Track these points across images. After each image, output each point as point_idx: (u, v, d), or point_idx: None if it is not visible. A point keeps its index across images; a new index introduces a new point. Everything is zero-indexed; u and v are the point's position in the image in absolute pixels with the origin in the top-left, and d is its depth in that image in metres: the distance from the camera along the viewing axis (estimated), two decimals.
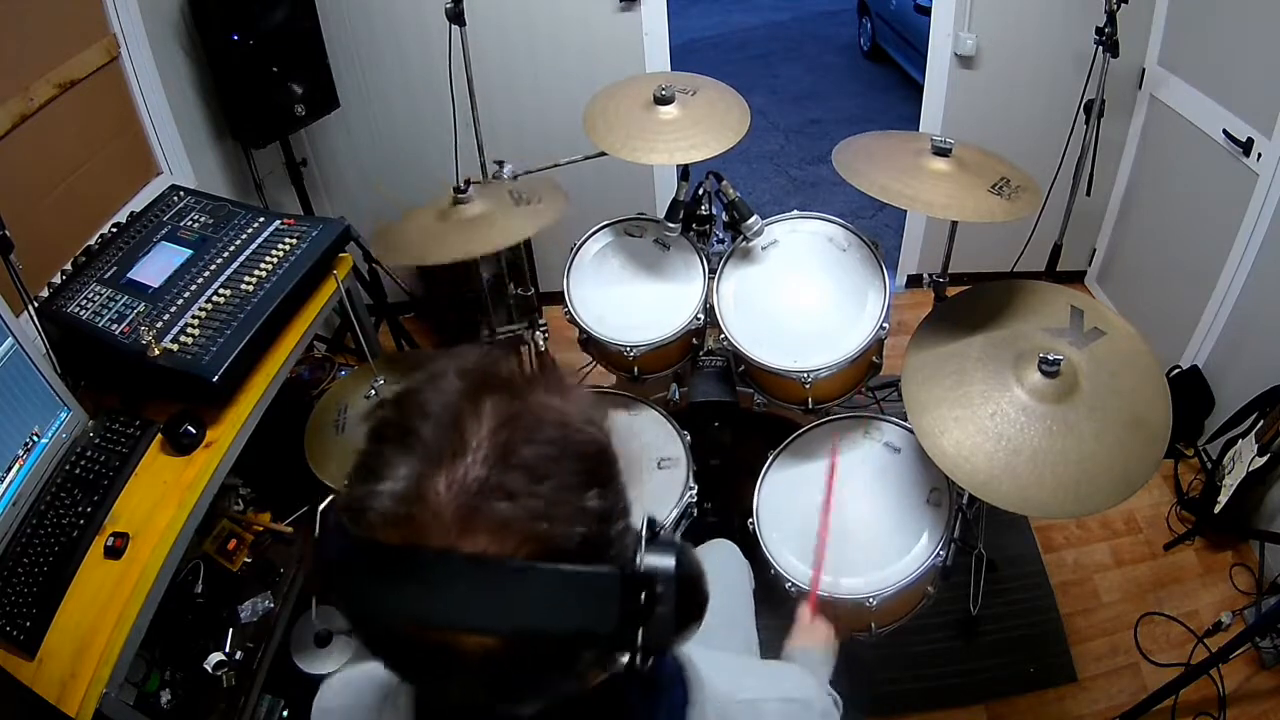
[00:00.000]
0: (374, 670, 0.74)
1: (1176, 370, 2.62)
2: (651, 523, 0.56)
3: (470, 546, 0.47)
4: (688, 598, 0.54)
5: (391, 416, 0.52)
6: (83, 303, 1.64)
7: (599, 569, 0.50)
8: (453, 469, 0.48)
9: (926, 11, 3.00)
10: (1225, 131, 2.36)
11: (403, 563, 0.47)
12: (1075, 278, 3.24)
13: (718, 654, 0.73)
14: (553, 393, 0.54)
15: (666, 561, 0.52)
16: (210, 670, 1.73)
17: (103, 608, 1.32)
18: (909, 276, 3.36)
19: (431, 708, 0.65)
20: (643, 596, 0.51)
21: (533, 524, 0.48)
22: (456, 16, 2.30)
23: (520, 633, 0.48)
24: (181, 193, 1.94)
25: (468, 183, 1.93)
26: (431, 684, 0.53)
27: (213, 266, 1.74)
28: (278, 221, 1.87)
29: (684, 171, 2.05)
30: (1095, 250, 3.19)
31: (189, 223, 1.85)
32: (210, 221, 1.85)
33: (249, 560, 1.94)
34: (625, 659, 0.52)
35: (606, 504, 0.52)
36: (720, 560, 1.53)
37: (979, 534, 2.18)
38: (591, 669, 0.54)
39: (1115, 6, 2.25)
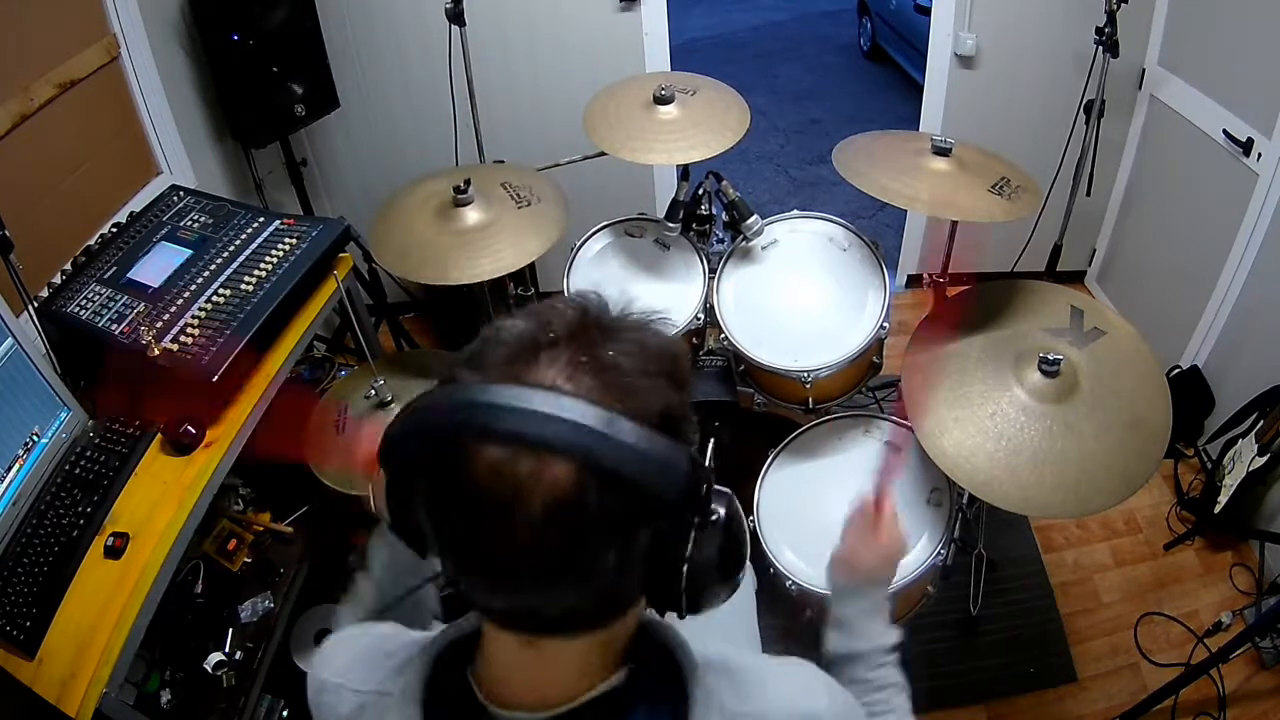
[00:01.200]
0: (384, 644, 0.74)
1: (1176, 370, 2.62)
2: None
3: (574, 387, 0.53)
4: (731, 544, 0.59)
5: (519, 312, 0.60)
6: (83, 303, 1.65)
7: (674, 441, 0.54)
8: (569, 343, 0.56)
9: (926, 11, 3.00)
10: (1225, 131, 2.36)
11: (510, 390, 0.53)
12: (1075, 278, 3.24)
13: (725, 650, 0.72)
14: (651, 327, 0.63)
15: (720, 502, 0.58)
16: (210, 670, 1.73)
17: (103, 608, 1.32)
18: (909, 276, 3.36)
19: (441, 694, 0.65)
20: (704, 489, 0.56)
21: (634, 380, 0.55)
22: (456, 16, 2.30)
23: (595, 466, 0.51)
24: (181, 193, 1.94)
25: (467, 182, 1.92)
26: (488, 538, 0.53)
27: (212, 266, 1.74)
28: (278, 221, 1.87)
29: (684, 171, 2.05)
30: (1095, 250, 3.19)
31: (189, 223, 1.85)
32: (210, 221, 1.85)
33: (249, 560, 1.94)
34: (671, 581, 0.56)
35: (684, 401, 0.59)
36: None
37: (979, 534, 2.18)
38: (639, 570, 0.56)
39: (1115, 6, 2.25)
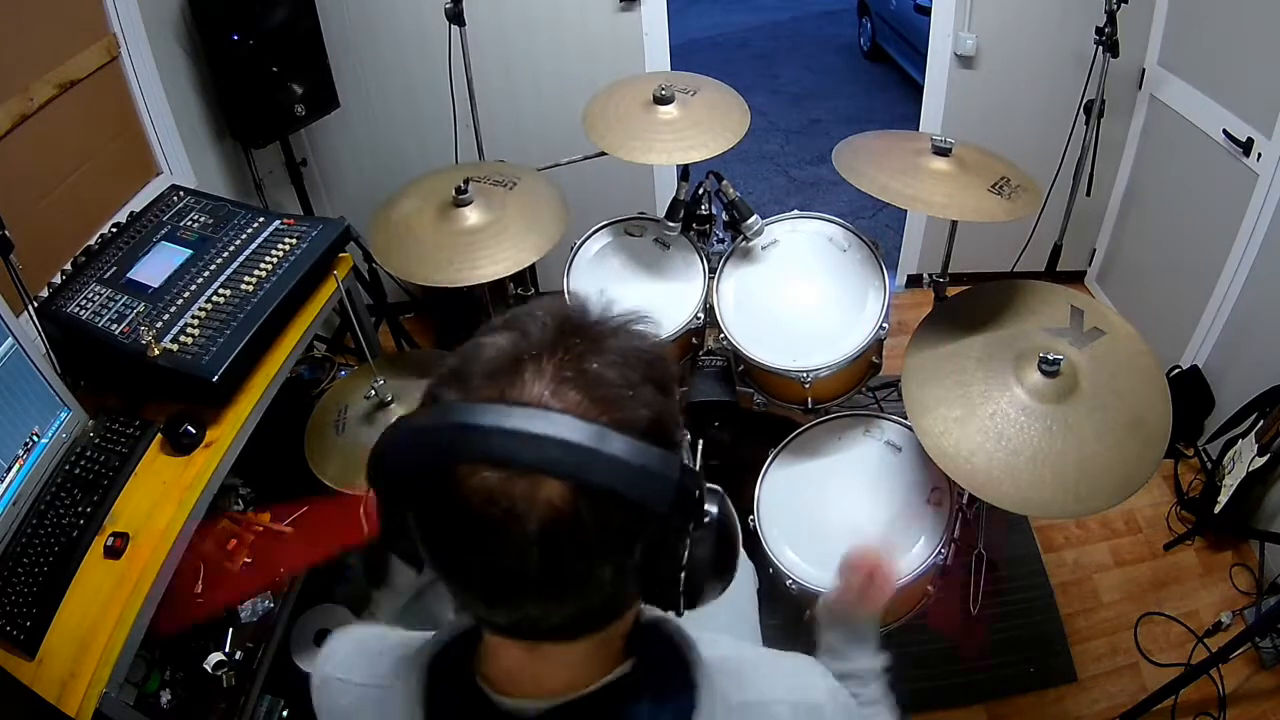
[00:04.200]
0: (387, 640, 0.74)
1: (1176, 370, 2.62)
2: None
3: (560, 403, 0.52)
4: (723, 544, 0.60)
5: (497, 323, 0.59)
6: (83, 303, 1.64)
7: (664, 450, 0.54)
8: (553, 351, 0.55)
9: (926, 11, 3.00)
10: (1225, 131, 2.36)
11: (495, 411, 0.52)
12: (1075, 278, 3.24)
13: (727, 643, 0.72)
14: (635, 329, 0.62)
15: (712, 502, 0.59)
16: (210, 670, 1.72)
17: (103, 608, 1.32)
18: (909, 276, 3.36)
19: (443, 685, 0.66)
20: (696, 493, 0.57)
21: (620, 391, 0.54)
22: (456, 16, 2.30)
23: (586, 485, 0.51)
24: (181, 193, 1.93)
25: (467, 181, 1.92)
26: (482, 559, 0.54)
27: (213, 266, 1.74)
28: (278, 221, 1.87)
29: (684, 171, 2.05)
30: (1095, 250, 3.19)
31: (189, 223, 1.85)
32: (210, 221, 1.85)
33: (249, 560, 1.93)
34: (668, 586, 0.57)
35: (673, 408, 0.59)
36: None
37: (979, 534, 2.18)
38: (634, 578, 0.56)
39: (1115, 6, 2.25)
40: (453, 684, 0.66)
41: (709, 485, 0.60)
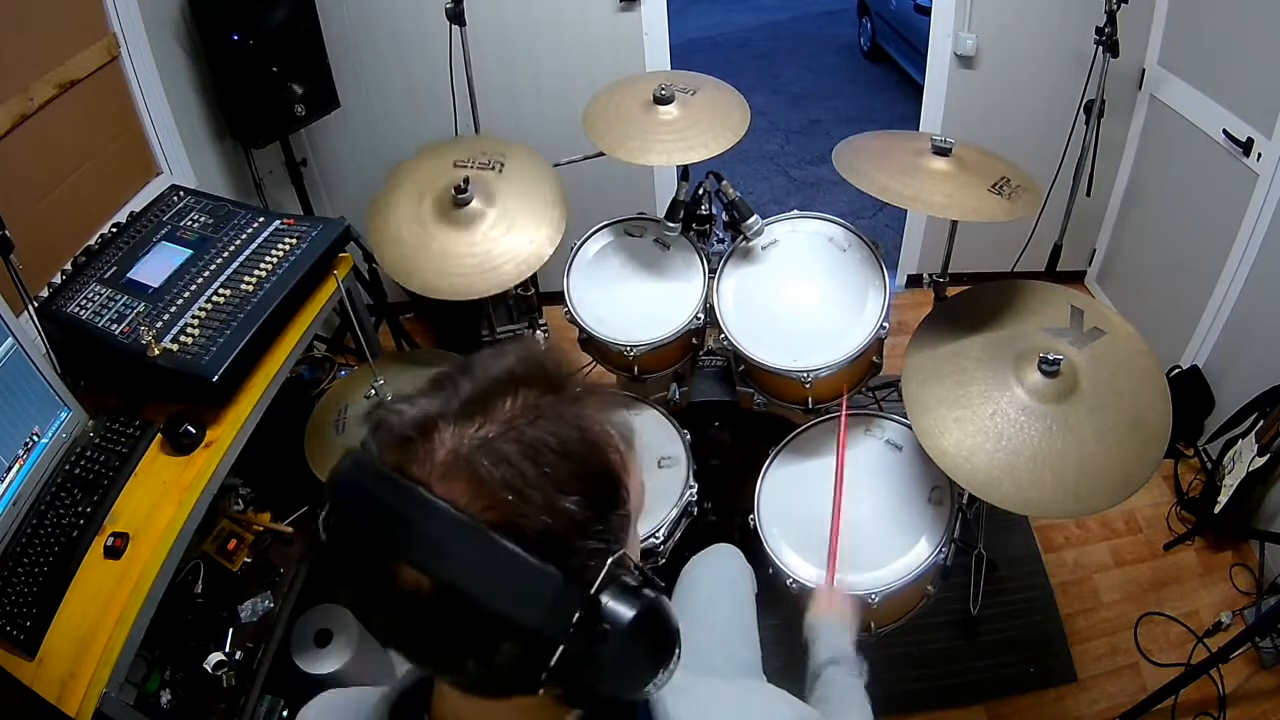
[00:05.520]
0: (358, 695, 0.75)
1: (1176, 370, 2.62)
2: (643, 573, 0.57)
3: (443, 490, 0.51)
4: (638, 649, 0.55)
5: (448, 370, 0.58)
6: (83, 303, 1.64)
7: (543, 565, 0.51)
8: (466, 423, 0.53)
9: (926, 11, 3.00)
10: (1225, 131, 2.36)
11: (385, 484, 0.52)
12: (1075, 278, 3.24)
13: (699, 687, 0.71)
14: (592, 407, 0.57)
15: (626, 607, 0.53)
16: (210, 670, 1.72)
17: (103, 608, 1.32)
18: (909, 276, 3.36)
19: None
20: (578, 617, 0.52)
21: (503, 493, 0.51)
22: (456, 16, 2.30)
23: (447, 585, 0.50)
24: (181, 193, 1.93)
25: (467, 181, 1.92)
26: (366, 608, 0.56)
27: (213, 266, 1.74)
28: (278, 221, 1.87)
29: (684, 171, 2.05)
30: (1095, 250, 3.19)
31: (189, 223, 1.85)
32: (210, 221, 1.85)
33: (249, 560, 1.93)
34: (551, 680, 0.53)
35: (584, 516, 0.53)
36: (723, 565, 1.53)
37: (979, 534, 2.18)
38: (507, 673, 0.53)
39: (1115, 6, 2.25)
40: None
41: (631, 587, 0.54)
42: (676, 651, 0.57)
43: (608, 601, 0.53)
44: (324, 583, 0.59)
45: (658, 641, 0.56)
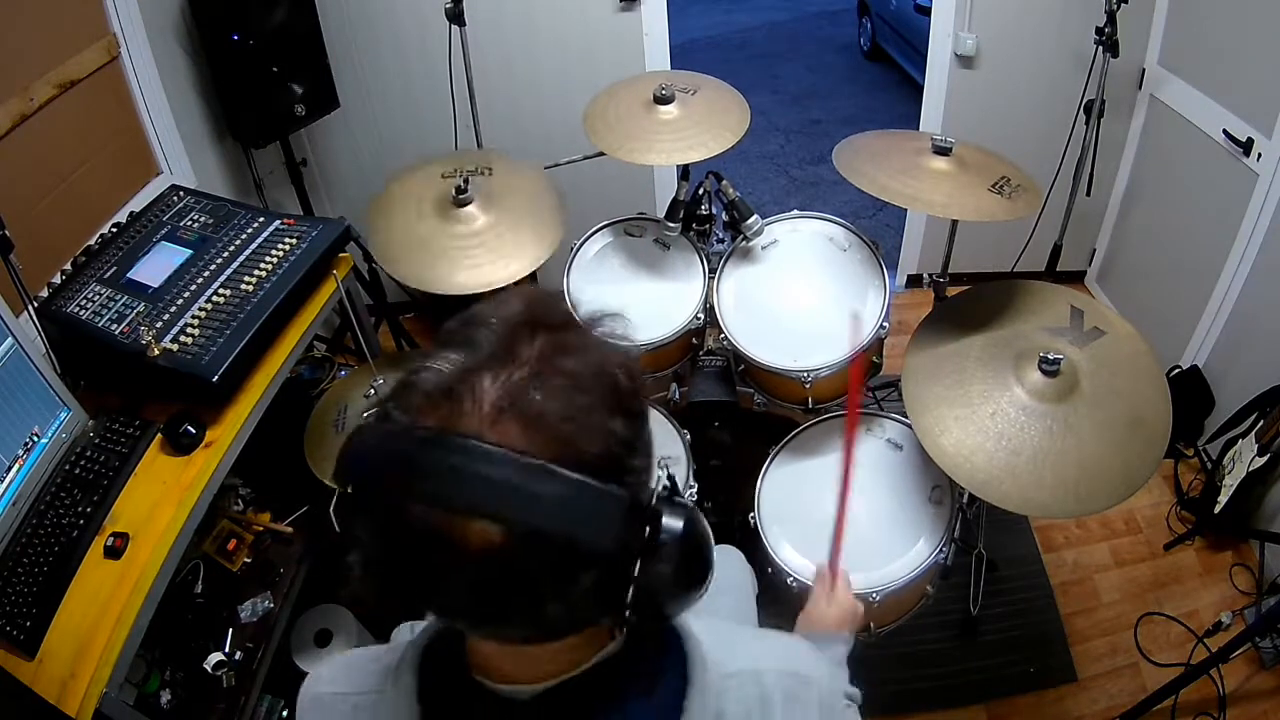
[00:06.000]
0: (374, 652, 0.74)
1: (1176, 370, 2.62)
2: (672, 482, 0.59)
3: (498, 436, 0.51)
4: (691, 560, 0.57)
5: (454, 326, 0.58)
6: (83, 303, 1.64)
7: (610, 488, 0.52)
8: (499, 370, 0.53)
9: (926, 11, 3.00)
10: (1225, 131, 2.36)
11: (433, 445, 0.51)
12: (1075, 278, 3.24)
13: (719, 623, 0.72)
14: (602, 335, 0.60)
15: (676, 519, 0.56)
16: (210, 670, 1.72)
17: (103, 608, 1.32)
18: (909, 276, 3.36)
19: (436, 678, 0.66)
20: (647, 532, 0.54)
21: (560, 426, 0.52)
22: (456, 16, 2.30)
23: (522, 528, 0.50)
24: (181, 193, 1.93)
25: (467, 181, 1.92)
26: (429, 583, 0.54)
27: (213, 266, 1.74)
28: (278, 221, 1.87)
29: (684, 171, 2.05)
30: (1095, 250, 3.19)
31: (189, 223, 1.85)
32: (210, 221, 1.85)
33: (249, 560, 1.94)
34: (622, 609, 0.54)
35: (630, 434, 0.55)
36: (724, 565, 1.53)
37: (979, 534, 2.18)
38: (586, 604, 0.54)
39: (1115, 6, 2.25)
40: (446, 676, 0.66)
41: (677, 500, 0.58)
42: (714, 560, 0.60)
43: (662, 510, 0.55)
44: (376, 584, 0.56)
45: (702, 552, 0.58)
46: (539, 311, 0.57)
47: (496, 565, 0.51)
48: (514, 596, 0.53)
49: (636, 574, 0.54)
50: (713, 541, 0.61)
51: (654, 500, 0.56)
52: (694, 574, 0.58)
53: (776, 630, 0.78)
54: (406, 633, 0.97)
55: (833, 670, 0.80)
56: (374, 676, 0.70)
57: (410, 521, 0.51)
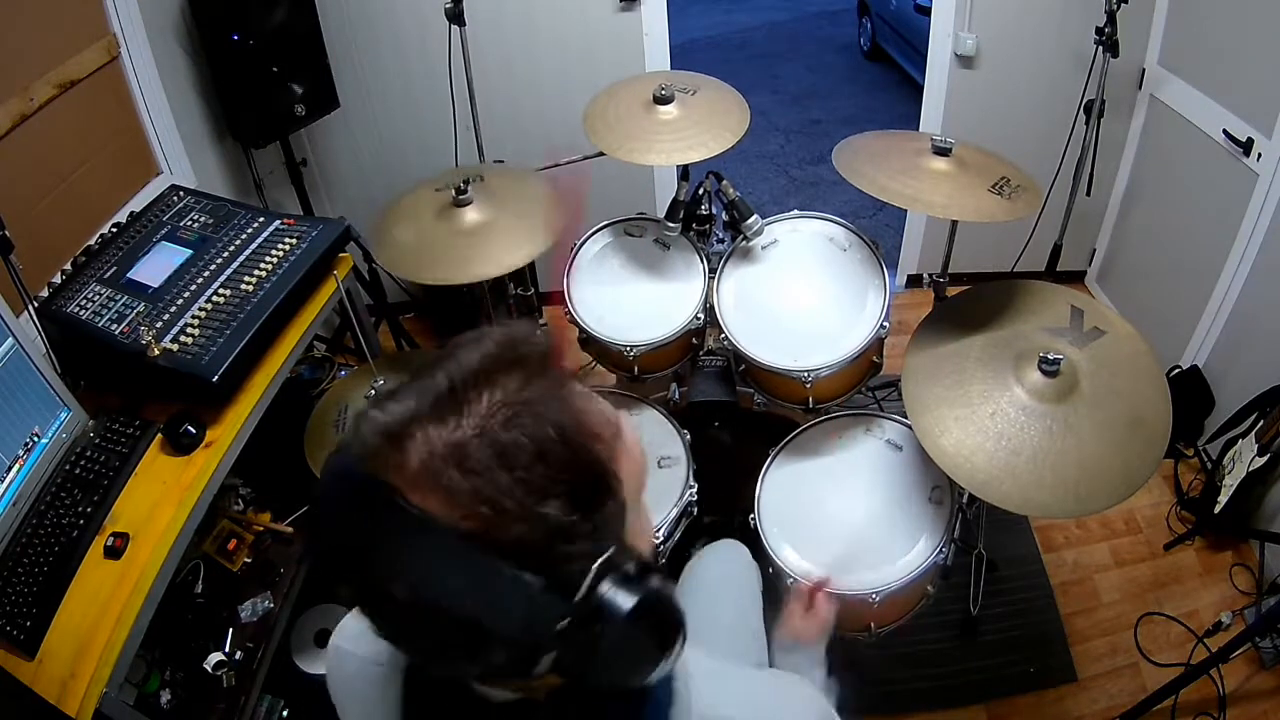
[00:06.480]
0: None
1: (1176, 370, 2.62)
2: (641, 561, 0.54)
3: (419, 499, 0.49)
4: (644, 637, 0.53)
5: (431, 360, 0.56)
6: (83, 303, 1.64)
7: (517, 573, 0.48)
8: (439, 425, 0.50)
9: (926, 11, 3.00)
10: (1225, 131, 2.36)
11: (361, 491, 0.51)
12: (1075, 278, 3.24)
13: (711, 663, 0.72)
14: (573, 399, 0.54)
15: (626, 598, 0.51)
16: (210, 670, 1.72)
17: (103, 608, 1.32)
18: (909, 276, 3.36)
19: (417, 677, 0.68)
20: (566, 622, 0.50)
21: (475, 505, 0.48)
22: (456, 16, 2.30)
23: (420, 599, 0.49)
24: (181, 193, 1.94)
25: (466, 182, 1.92)
26: (361, 608, 0.55)
27: (213, 266, 1.74)
28: (278, 221, 1.87)
29: (684, 171, 2.05)
30: (1095, 250, 3.19)
31: (189, 223, 1.85)
32: (210, 221, 1.85)
33: (249, 560, 1.94)
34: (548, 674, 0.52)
35: (567, 520, 0.50)
36: (730, 560, 1.54)
37: (979, 534, 2.18)
38: (507, 671, 0.53)
39: (1115, 6, 2.25)
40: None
41: (634, 577, 0.52)
42: (680, 637, 0.55)
43: (605, 593, 0.51)
44: (321, 581, 0.59)
45: (659, 629, 0.54)
46: (506, 360, 0.54)
47: (409, 616, 0.51)
48: (430, 647, 0.54)
49: (561, 653, 0.51)
50: (680, 614, 0.56)
51: (587, 590, 0.50)
52: (643, 652, 0.54)
53: (773, 671, 0.77)
54: None
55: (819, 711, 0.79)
56: (380, 643, 0.72)
57: (337, 555, 0.53)
